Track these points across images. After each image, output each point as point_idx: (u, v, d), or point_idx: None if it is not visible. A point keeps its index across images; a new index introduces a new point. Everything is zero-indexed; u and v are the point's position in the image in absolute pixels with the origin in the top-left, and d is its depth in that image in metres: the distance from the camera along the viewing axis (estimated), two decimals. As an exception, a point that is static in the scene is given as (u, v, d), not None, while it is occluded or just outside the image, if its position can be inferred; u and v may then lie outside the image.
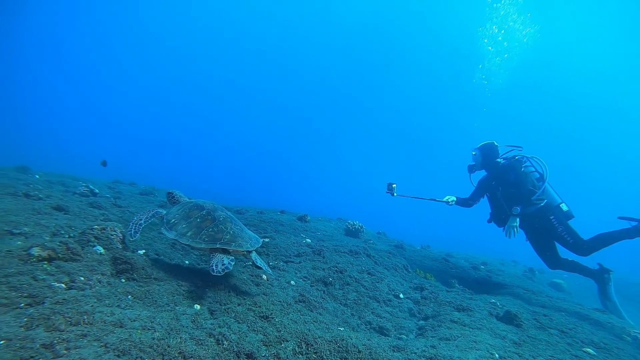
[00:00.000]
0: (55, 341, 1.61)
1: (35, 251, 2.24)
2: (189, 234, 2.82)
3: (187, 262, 3.88)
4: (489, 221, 6.34)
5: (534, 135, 48.68)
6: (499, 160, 6.09)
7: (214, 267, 2.62)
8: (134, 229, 2.96)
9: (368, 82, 56.41)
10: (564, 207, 5.64)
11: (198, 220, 2.94)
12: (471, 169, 6.29)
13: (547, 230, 5.58)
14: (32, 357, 1.50)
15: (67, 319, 1.77)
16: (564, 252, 5.72)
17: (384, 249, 6.51)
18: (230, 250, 2.85)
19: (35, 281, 2.01)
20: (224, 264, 2.66)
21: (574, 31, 40.21)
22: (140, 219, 3.08)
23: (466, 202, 6.55)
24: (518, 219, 5.59)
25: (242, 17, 49.71)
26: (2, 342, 1.53)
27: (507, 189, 5.82)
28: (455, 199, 6.49)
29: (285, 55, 55.31)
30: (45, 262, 2.25)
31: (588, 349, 3.30)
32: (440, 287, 5.24)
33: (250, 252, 2.96)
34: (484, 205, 6.60)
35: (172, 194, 3.55)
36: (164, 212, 3.23)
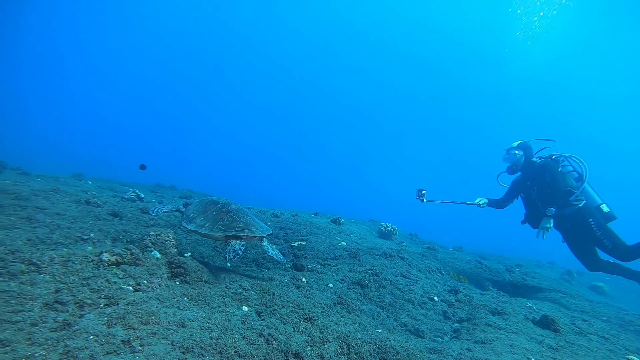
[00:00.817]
0: (132, 338, 1.85)
1: (106, 256, 2.52)
2: (206, 225, 3.21)
3: (229, 264, 4.14)
4: (523, 222, 6.21)
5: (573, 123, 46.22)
6: (534, 159, 5.96)
7: (227, 255, 3.06)
8: (157, 210, 3.66)
9: (391, 85, 56.22)
10: (604, 208, 5.43)
11: (214, 213, 3.33)
12: (512, 170, 6.17)
13: (585, 233, 5.40)
14: (115, 351, 1.75)
15: (139, 318, 2.02)
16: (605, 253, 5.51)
17: (417, 251, 6.54)
18: (244, 237, 3.22)
19: (109, 284, 2.28)
20: (235, 250, 3.09)
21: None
22: (164, 207, 3.76)
23: (498, 203, 6.46)
24: (552, 220, 5.43)
25: (268, 18, 50.57)
26: (91, 337, 1.79)
27: (542, 189, 5.68)
28: (486, 200, 6.42)
29: (322, 60, 56.14)
30: (114, 266, 2.53)
31: (633, 357, 3.23)
32: (474, 289, 5.22)
33: (262, 238, 3.37)
34: (517, 206, 6.49)
35: (187, 202, 4.02)
36: (184, 209, 3.66)
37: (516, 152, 6.07)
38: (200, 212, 3.38)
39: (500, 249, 15.02)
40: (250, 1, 48.84)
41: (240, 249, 3.10)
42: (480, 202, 6.38)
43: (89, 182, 7.49)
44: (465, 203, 6.46)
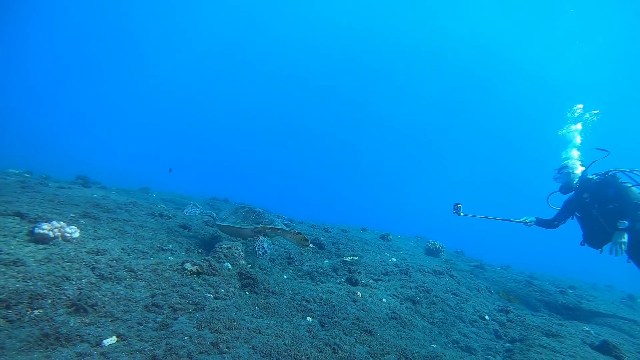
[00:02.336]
0: (219, 340, 2.12)
1: (188, 266, 2.86)
2: (238, 221, 3.92)
3: (285, 276, 4.40)
4: (583, 243, 5.90)
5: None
6: (590, 176, 5.72)
7: (257, 250, 3.67)
8: (191, 211, 4.50)
9: (435, 102, 55.49)
10: None
11: (243, 213, 4.06)
12: (565, 190, 5.94)
13: None
14: (206, 351, 2.02)
15: (223, 323, 2.29)
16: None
17: (465, 269, 6.45)
18: (269, 229, 3.89)
19: (193, 291, 2.60)
20: (264, 248, 3.70)
21: None
22: (197, 210, 4.57)
23: (549, 223, 6.17)
24: (627, 234, 5.11)
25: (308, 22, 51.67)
26: (186, 337, 2.08)
27: (605, 205, 5.40)
28: (534, 219, 6.16)
29: (368, 79, 56.99)
30: (195, 275, 2.86)
31: None
32: (525, 310, 5.08)
33: (285, 231, 3.98)
34: (566, 226, 6.20)
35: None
36: (215, 215, 4.44)
37: (569, 171, 5.84)
38: (232, 213, 4.13)
39: (550, 269, 14.14)
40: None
41: (269, 248, 3.72)
42: (527, 220, 6.16)
43: (154, 195, 8.19)
44: (509, 220, 6.25)
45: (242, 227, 3.83)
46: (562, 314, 5.25)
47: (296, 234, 4.03)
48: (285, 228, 3.98)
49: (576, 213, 5.96)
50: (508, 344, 3.82)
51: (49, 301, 2.05)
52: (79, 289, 2.26)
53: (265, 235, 3.93)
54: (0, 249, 2.34)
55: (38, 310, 1.96)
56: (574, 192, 5.92)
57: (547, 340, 3.72)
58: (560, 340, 3.74)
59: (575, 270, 15.79)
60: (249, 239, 4.17)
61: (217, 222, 4.13)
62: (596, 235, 5.61)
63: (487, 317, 4.36)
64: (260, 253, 3.63)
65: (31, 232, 2.76)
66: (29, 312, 1.92)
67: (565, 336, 3.84)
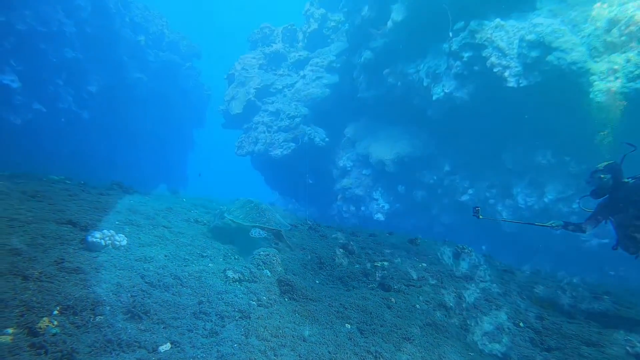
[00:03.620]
0: (267, 348, 2.19)
1: (230, 274, 2.95)
2: (240, 217, 4.48)
3: (317, 281, 4.44)
4: (615, 247, 5.67)
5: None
6: (626, 180, 5.47)
7: (252, 233, 4.29)
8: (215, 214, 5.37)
9: None
10: None
11: (248, 209, 4.61)
12: (597, 195, 5.70)
13: None
14: (255, 358, 2.09)
15: (269, 331, 2.37)
16: None
17: (495, 274, 6.32)
18: (265, 228, 4.43)
19: (237, 298, 2.69)
20: (260, 234, 4.32)
21: None
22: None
23: (579, 227, 5.90)
24: None
25: None
26: (235, 345, 2.16)
27: None
28: (561, 223, 5.90)
29: None
30: (237, 282, 2.95)
31: None
32: (560, 317, 4.95)
33: (280, 231, 4.67)
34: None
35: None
36: (225, 208, 4.98)
37: (602, 175, 5.58)
38: (239, 208, 4.68)
39: (580, 273, 13.58)
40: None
41: (261, 234, 4.35)
42: (553, 224, 5.91)
43: (184, 200, 8.40)
44: (533, 224, 6.03)
45: (243, 223, 4.43)
46: (599, 322, 5.08)
47: (286, 239, 4.92)
48: (280, 228, 4.67)
49: (610, 217, 5.74)
50: (545, 353, 3.74)
51: (108, 308, 2.18)
52: (132, 296, 2.38)
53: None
54: (63, 258, 2.50)
55: (99, 317, 2.08)
56: (607, 195, 5.70)
57: (588, 349, 3.62)
58: (601, 350, 3.63)
59: (607, 274, 15.10)
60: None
61: (225, 214, 4.72)
62: (631, 241, 5.40)
63: (521, 324, 4.28)
64: (255, 235, 4.30)
65: (84, 240, 2.92)
66: (92, 319, 2.05)
67: (607, 345, 3.72)
